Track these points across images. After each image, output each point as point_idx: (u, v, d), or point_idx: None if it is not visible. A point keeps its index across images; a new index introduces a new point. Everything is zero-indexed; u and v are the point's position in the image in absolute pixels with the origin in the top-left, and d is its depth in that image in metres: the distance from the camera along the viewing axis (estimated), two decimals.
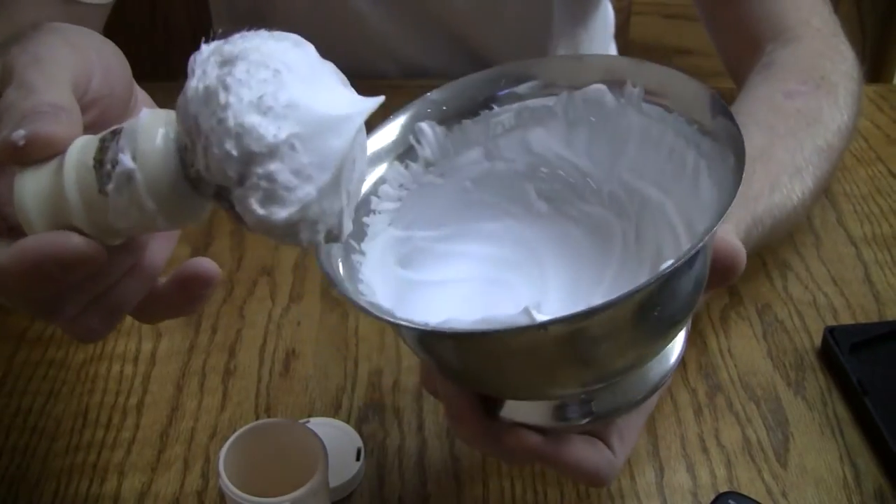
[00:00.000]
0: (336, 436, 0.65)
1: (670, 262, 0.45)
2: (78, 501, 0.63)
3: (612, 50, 1.25)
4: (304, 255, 0.80)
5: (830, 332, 0.72)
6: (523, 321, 0.45)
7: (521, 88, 0.60)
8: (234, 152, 0.40)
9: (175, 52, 1.29)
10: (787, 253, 0.81)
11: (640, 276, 0.57)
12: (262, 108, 0.40)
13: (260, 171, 0.40)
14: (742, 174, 0.48)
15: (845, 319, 0.75)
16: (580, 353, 0.49)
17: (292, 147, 0.40)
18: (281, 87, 0.40)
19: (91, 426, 0.67)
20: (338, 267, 0.52)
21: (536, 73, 0.59)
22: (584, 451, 0.54)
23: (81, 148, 0.44)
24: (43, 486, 0.63)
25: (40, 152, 0.44)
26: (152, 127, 0.43)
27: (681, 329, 0.54)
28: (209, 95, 0.40)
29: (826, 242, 0.83)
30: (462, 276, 0.60)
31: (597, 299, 0.57)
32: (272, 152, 0.40)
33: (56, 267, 0.44)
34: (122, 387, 0.70)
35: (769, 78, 0.82)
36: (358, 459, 0.64)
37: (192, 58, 0.42)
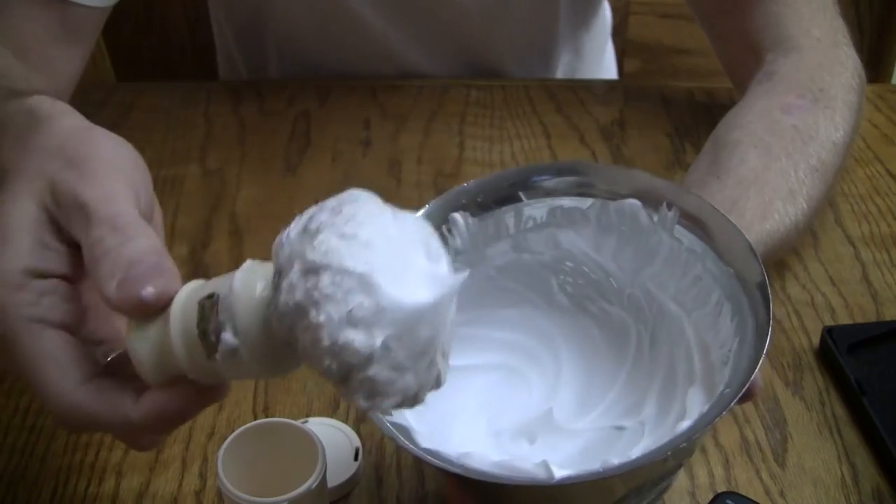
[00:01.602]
0: (334, 436, 0.65)
1: (688, 424, 0.48)
2: (76, 501, 0.63)
3: (610, 50, 1.25)
4: None
5: (828, 332, 0.72)
6: (541, 475, 0.48)
7: (555, 182, 0.60)
8: (334, 367, 0.41)
9: (173, 52, 1.29)
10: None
11: (651, 384, 0.59)
12: (353, 322, 0.40)
13: (360, 376, 0.41)
14: (761, 357, 0.49)
15: (843, 319, 0.75)
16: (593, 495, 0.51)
17: (387, 349, 0.40)
18: (368, 292, 0.40)
19: None
20: None
21: (577, 171, 0.60)
22: None
23: (182, 310, 0.45)
24: (41, 486, 0.63)
25: (160, 308, 0.46)
26: (249, 300, 0.43)
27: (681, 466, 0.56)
28: (300, 312, 0.41)
29: (824, 242, 0.83)
30: (480, 362, 0.63)
31: (607, 402, 0.60)
32: (369, 360, 0.40)
33: (179, 420, 0.48)
34: None
35: (768, 91, 0.81)
36: (356, 459, 0.64)
37: (277, 241, 0.43)
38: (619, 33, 1.29)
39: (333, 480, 0.62)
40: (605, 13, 1.19)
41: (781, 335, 0.74)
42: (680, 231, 0.57)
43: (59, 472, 0.64)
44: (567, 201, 0.60)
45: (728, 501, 0.61)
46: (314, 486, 0.54)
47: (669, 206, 0.57)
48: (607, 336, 0.62)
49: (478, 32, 1.03)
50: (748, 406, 0.69)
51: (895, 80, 1.35)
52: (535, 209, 0.61)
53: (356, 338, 0.40)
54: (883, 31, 1.30)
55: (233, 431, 0.57)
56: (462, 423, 0.59)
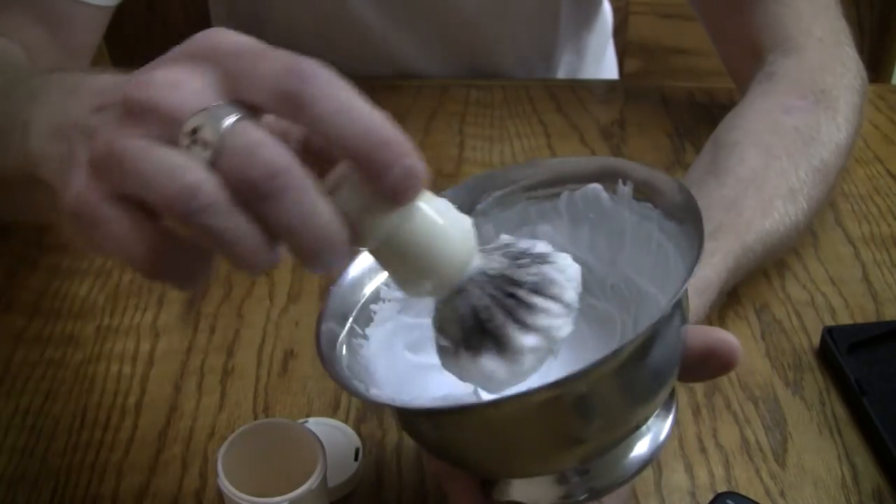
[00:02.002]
0: (334, 435, 0.65)
1: (626, 340, 0.47)
2: (76, 501, 0.63)
3: (610, 49, 1.25)
4: None
5: (829, 332, 0.72)
6: (472, 399, 0.49)
7: (524, 184, 0.61)
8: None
9: None
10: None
11: None
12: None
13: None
14: (689, 277, 0.48)
15: (843, 319, 0.75)
16: (539, 424, 0.49)
17: None
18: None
19: (89, 426, 0.67)
20: (341, 348, 0.54)
21: (538, 172, 0.61)
22: None
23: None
24: (41, 486, 0.63)
25: None
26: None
27: (652, 408, 0.54)
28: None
29: (824, 242, 0.83)
30: None
31: None
32: None
33: None
34: (121, 387, 0.70)
35: (770, 91, 0.81)
36: (356, 459, 0.64)
37: None
38: (619, 33, 1.29)
39: (334, 480, 0.62)
40: (606, 13, 1.19)
41: (782, 335, 0.74)
42: (635, 203, 0.58)
43: (59, 472, 0.64)
44: (538, 201, 0.60)
45: (728, 501, 0.61)
46: (314, 486, 0.54)
47: (624, 181, 0.57)
48: (594, 330, 0.62)
49: (478, 33, 1.03)
50: (748, 406, 0.69)
51: (895, 81, 1.35)
52: (510, 212, 0.61)
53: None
54: (883, 31, 1.30)
55: (233, 431, 0.57)
56: None
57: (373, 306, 0.58)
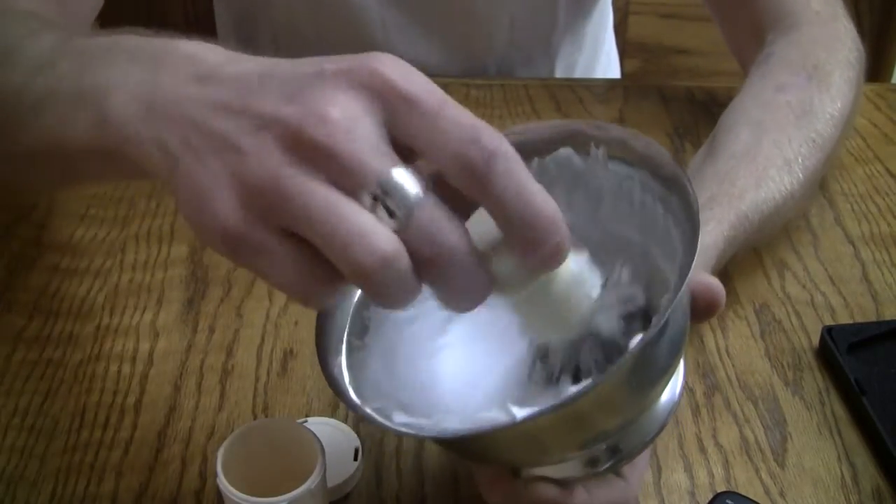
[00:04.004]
0: (334, 435, 0.65)
1: (637, 340, 0.47)
2: (76, 501, 0.63)
3: (611, 42, 1.24)
4: None
5: (828, 331, 0.72)
6: (503, 419, 0.49)
7: None
8: None
9: None
10: (785, 252, 0.81)
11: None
12: None
13: None
14: (696, 244, 0.49)
15: (843, 319, 0.75)
16: (566, 429, 0.51)
17: None
18: None
19: (88, 426, 0.67)
20: (342, 368, 0.54)
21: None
22: (599, 491, 0.56)
23: None
24: (41, 486, 0.63)
25: None
26: None
27: (670, 377, 0.54)
28: None
29: (824, 242, 0.83)
30: (464, 333, 0.61)
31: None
32: None
33: None
34: (120, 386, 0.70)
35: (765, 73, 0.82)
36: (356, 459, 0.64)
37: None
38: (619, 33, 1.29)
39: (333, 480, 0.62)
40: (607, 5, 1.19)
41: (781, 335, 0.74)
42: (614, 164, 0.57)
43: (58, 472, 0.64)
44: None
45: (728, 501, 0.61)
46: (314, 485, 0.54)
47: (597, 145, 0.57)
48: None
49: (477, 18, 1.03)
50: (748, 406, 0.69)
51: (895, 80, 1.35)
52: None
53: None
54: (883, 31, 1.30)
55: (232, 431, 0.57)
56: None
57: (364, 313, 0.58)
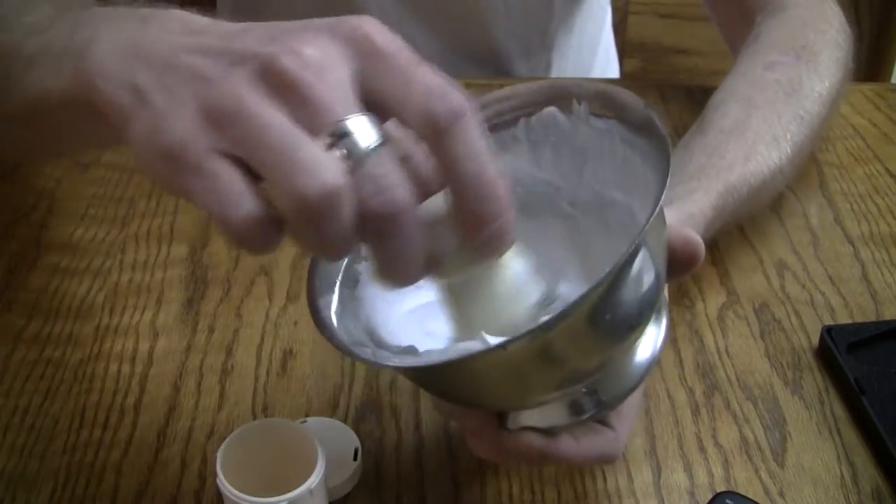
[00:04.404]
0: (333, 435, 0.65)
1: (605, 272, 0.46)
2: (75, 501, 0.63)
3: (608, 38, 1.24)
4: (302, 254, 0.80)
5: (828, 331, 0.72)
6: (478, 346, 0.48)
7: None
8: None
9: None
10: (785, 252, 0.81)
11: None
12: None
13: None
14: (665, 184, 0.49)
15: (843, 319, 0.75)
16: (542, 363, 0.50)
17: None
18: None
19: (88, 426, 0.67)
20: (335, 316, 0.55)
21: (489, 107, 0.60)
22: (586, 440, 0.56)
23: None
24: (40, 486, 0.63)
25: None
26: None
27: (646, 322, 0.55)
28: None
29: (823, 241, 0.83)
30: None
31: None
32: None
33: None
34: (120, 386, 0.70)
35: (753, 52, 0.84)
36: (355, 459, 0.64)
37: None
38: (618, 33, 1.29)
39: (332, 480, 0.62)
40: (604, 0, 1.19)
41: (781, 334, 0.74)
42: (594, 121, 0.57)
43: (58, 471, 0.64)
44: (496, 131, 0.60)
45: (727, 501, 0.61)
46: (313, 485, 0.54)
47: (579, 101, 0.57)
48: (572, 241, 0.62)
49: (473, 7, 1.03)
50: (747, 406, 0.69)
51: (895, 80, 1.35)
52: None
53: None
54: (882, 31, 1.30)
55: (232, 431, 0.57)
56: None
57: (356, 266, 0.58)
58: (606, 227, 0.59)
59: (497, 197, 0.44)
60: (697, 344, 0.73)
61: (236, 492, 0.54)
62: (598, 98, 0.56)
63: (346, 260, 0.57)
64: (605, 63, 1.23)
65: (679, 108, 0.99)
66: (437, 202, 0.45)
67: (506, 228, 0.44)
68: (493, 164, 0.44)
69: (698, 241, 0.56)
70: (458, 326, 0.53)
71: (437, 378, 0.55)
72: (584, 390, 0.55)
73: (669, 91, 1.02)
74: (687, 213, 0.69)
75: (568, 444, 0.55)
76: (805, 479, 0.64)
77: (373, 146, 0.42)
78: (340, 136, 0.42)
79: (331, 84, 0.43)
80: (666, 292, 0.59)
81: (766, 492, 0.63)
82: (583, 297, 0.47)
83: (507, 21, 1.06)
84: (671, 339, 0.73)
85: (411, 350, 0.54)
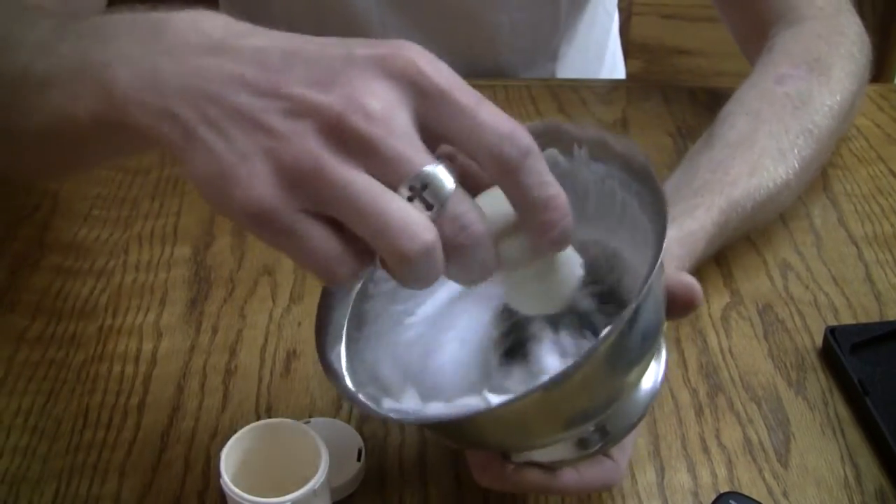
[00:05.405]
0: (337, 436, 0.65)
1: (606, 331, 0.48)
2: (78, 502, 0.63)
3: (615, 42, 1.24)
4: None
5: (831, 332, 0.72)
6: (479, 405, 0.51)
7: None
8: None
9: None
10: (788, 253, 0.81)
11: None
12: None
13: None
14: (664, 238, 0.50)
15: (846, 319, 0.75)
16: (545, 415, 0.52)
17: None
18: None
19: (91, 426, 0.67)
20: (340, 356, 0.56)
21: None
22: (587, 472, 0.58)
23: None
24: (44, 487, 0.63)
25: None
26: None
27: (648, 363, 0.56)
28: None
29: (827, 242, 0.83)
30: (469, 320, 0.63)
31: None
32: None
33: None
34: (123, 387, 0.70)
35: (766, 64, 0.84)
36: (359, 459, 0.64)
37: None
38: (621, 34, 1.29)
39: (336, 480, 0.62)
40: (612, 6, 1.19)
41: (784, 335, 0.74)
42: (594, 164, 0.58)
43: (61, 472, 0.64)
44: None
45: (731, 502, 0.61)
46: (317, 486, 0.54)
47: (579, 145, 0.57)
48: None
49: (478, 22, 1.02)
50: (751, 406, 0.69)
51: None
52: None
53: None
54: (885, 32, 1.29)
55: (236, 431, 0.57)
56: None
57: (363, 306, 0.58)
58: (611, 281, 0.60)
59: (562, 208, 0.47)
60: (701, 344, 0.73)
61: (240, 492, 0.54)
62: (597, 144, 0.57)
63: (351, 303, 0.58)
64: (612, 67, 1.23)
65: (682, 109, 0.99)
66: (494, 205, 0.48)
67: (568, 229, 0.48)
68: (555, 182, 0.47)
69: (696, 286, 0.57)
70: (516, 308, 0.56)
71: (441, 429, 0.57)
72: (591, 429, 0.56)
73: (672, 92, 1.02)
74: (687, 230, 0.69)
75: (570, 478, 0.57)
76: (808, 479, 0.64)
77: (450, 191, 0.45)
78: (422, 188, 0.44)
79: (400, 135, 0.44)
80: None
81: (770, 492, 0.63)
82: (584, 357, 0.48)
83: (512, 38, 1.05)
84: (675, 339, 0.73)
85: (412, 395, 0.56)
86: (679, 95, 1.01)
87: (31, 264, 0.80)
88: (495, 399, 0.51)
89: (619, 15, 1.26)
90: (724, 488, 0.63)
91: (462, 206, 0.45)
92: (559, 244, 0.48)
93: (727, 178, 0.73)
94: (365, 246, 0.45)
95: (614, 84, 1.14)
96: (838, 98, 0.81)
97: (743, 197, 0.73)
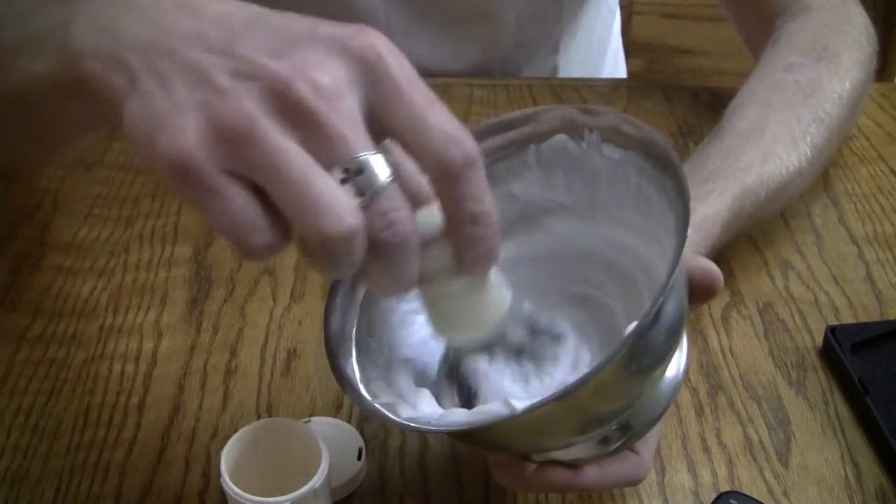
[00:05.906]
0: (337, 435, 0.65)
1: (632, 327, 0.48)
2: (79, 501, 0.63)
3: (617, 40, 1.24)
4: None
5: (832, 331, 0.72)
6: (503, 412, 0.50)
7: (486, 147, 0.60)
8: None
9: None
10: (789, 252, 0.81)
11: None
12: None
13: None
14: (687, 225, 0.49)
15: (847, 319, 0.75)
16: (568, 417, 0.51)
17: None
18: None
19: (92, 426, 0.67)
20: (353, 365, 0.55)
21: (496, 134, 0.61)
22: (611, 469, 0.56)
23: None
24: (44, 486, 0.63)
25: None
26: None
27: (669, 359, 0.55)
28: None
29: (828, 241, 0.83)
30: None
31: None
32: None
33: None
34: (124, 386, 0.70)
35: (773, 54, 0.83)
36: (359, 459, 0.64)
37: None
38: (622, 33, 1.29)
39: (337, 480, 0.62)
40: (613, 2, 1.18)
41: (785, 334, 0.74)
42: (608, 148, 0.57)
43: (62, 471, 0.64)
44: (505, 160, 0.60)
45: (731, 501, 0.61)
46: (317, 485, 0.54)
47: (591, 130, 0.57)
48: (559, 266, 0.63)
49: (483, 18, 1.02)
50: (751, 405, 0.69)
51: None
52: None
53: None
54: (886, 31, 1.29)
55: (236, 431, 0.57)
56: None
57: (372, 310, 0.58)
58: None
59: (493, 227, 0.46)
60: (701, 344, 0.73)
61: (240, 492, 0.54)
62: (611, 129, 0.56)
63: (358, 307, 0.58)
64: (613, 65, 1.22)
65: (683, 109, 0.99)
66: (430, 218, 0.47)
67: (495, 249, 0.47)
68: (492, 203, 0.46)
69: (716, 270, 0.56)
70: (437, 330, 0.54)
71: (462, 436, 0.56)
72: (614, 426, 0.55)
73: (673, 91, 1.02)
74: (702, 215, 0.68)
75: (594, 475, 0.55)
76: (809, 479, 0.64)
77: (384, 182, 0.43)
78: (355, 172, 0.43)
79: (344, 115, 0.43)
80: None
81: (770, 492, 0.63)
82: (610, 357, 0.47)
83: (517, 32, 1.05)
84: None
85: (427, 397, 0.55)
86: (680, 95, 1.01)
87: (32, 264, 0.80)
88: (519, 405, 0.50)
89: (621, 14, 1.26)
90: (725, 488, 0.63)
91: (394, 202, 0.44)
92: (483, 262, 0.47)
93: (739, 165, 0.72)
94: (285, 224, 0.44)
95: (615, 83, 1.14)
96: (847, 86, 0.81)
97: (756, 184, 0.72)
